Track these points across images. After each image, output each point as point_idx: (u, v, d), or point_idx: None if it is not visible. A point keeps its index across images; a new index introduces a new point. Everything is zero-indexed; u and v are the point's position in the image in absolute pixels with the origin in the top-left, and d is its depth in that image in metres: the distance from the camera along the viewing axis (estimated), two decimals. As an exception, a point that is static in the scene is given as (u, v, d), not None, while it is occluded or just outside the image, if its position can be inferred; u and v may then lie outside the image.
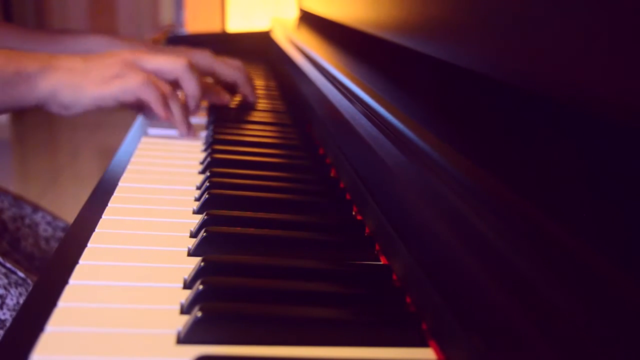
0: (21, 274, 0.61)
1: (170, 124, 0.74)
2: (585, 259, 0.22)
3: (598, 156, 0.32)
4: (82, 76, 0.68)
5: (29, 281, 0.61)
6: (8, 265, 0.61)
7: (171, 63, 0.73)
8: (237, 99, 0.95)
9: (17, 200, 0.83)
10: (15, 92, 0.66)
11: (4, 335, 0.34)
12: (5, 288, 0.59)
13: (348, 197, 0.57)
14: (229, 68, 0.91)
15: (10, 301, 0.59)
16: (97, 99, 0.68)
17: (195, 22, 2.95)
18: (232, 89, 0.92)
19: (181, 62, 0.74)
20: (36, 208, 0.84)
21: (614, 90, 0.28)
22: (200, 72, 0.95)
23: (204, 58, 0.90)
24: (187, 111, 0.75)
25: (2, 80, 0.66)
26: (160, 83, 0.71)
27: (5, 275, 0.60)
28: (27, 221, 0.82)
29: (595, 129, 0.32)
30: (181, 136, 0.75)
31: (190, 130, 0.75)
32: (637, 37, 0.26)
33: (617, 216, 0.26)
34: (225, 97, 0.86)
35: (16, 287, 0.60)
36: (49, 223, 0.83)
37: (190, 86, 0.75)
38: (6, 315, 0.58)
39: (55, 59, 0.69)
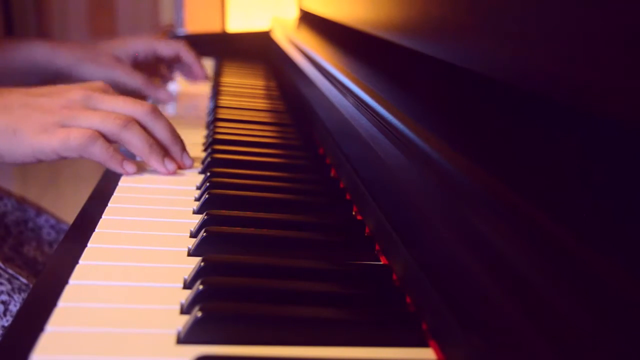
0: (24, 280, 0.60)
1: None
2: (585, 259, 0.22)
3: (598, 156, 0.32)
4: (19, 119, 0.55)
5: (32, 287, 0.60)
6: (10, 271, 0.60)
7: (130, 107, 0.59)
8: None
9: (21, 203, 0.82)
10: None
11: (4, 335, 0.34)
12: (8, 294, 0.59)
13: (348, 197, 0.57)
14: (169, 43, 0.93)
15: (13, 307, 0.58)
16: (36, 151, 0.55)
17: (195, 22, 2.95)
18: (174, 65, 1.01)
19: (142, 108, 0.59)
20: (39, 211, 0.83)
21: (614, 90, 0.28)
22: (142, 56, 0.95)
23: (143, 41, 0.91)
24: (162, 150, 0.61)
25: None
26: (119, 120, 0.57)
27: (9, 280, 0.59)
28: (30, 225, 0.81)
29: (596, 129, 0.32)
30: (164, 173, 0.61)
31: (169, 166, 0.60)
32: (636, 36, 0.26)
33: (618, 216, 0.26)
34: (164, 93, 0.87)
35: (19, 293, 0.59)
36: (52, 226, 0.83)
37: (159, 132, 0.60)
38: (10, 321, 0.58)
39: None
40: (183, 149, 0.62)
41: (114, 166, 0.58)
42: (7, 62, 0.89)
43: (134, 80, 0.90)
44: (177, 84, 1.10)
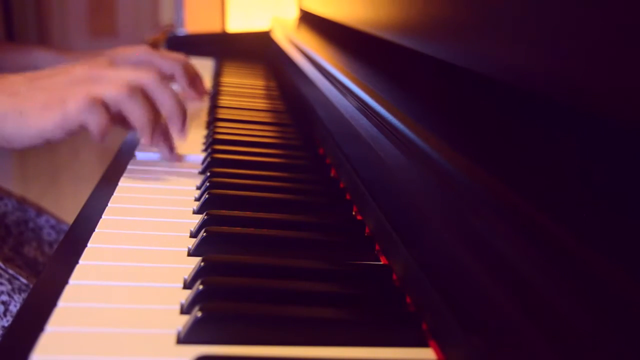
0: (24, 280, 0.60)
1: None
2: (585, 259, 0.22)
3: (598, 156, 0.32)
4: (24, 101, 0.55)
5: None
6: (11, 271, 0.60)
7: (136, 74, 0.59)
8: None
9: (21, 203, 0.82)
10: None
11: (4, 335, 0.34)
12: (9, 294, 0.59)
13: (348, 197, 0.57)
14: (167, 61, 0.82)
15: (14, 308, 0.58)
16: (41, 130, 0.55)
17: (195, 22, 2.95)
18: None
19: (148, 75, 0.59)
20: (40, 211, 0.83)
21: (614, 90, 0.28)
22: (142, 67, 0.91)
23: (144, 53, 0.82)
24: (167, 133, 0.63)
25: None
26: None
27: (9, 281, 0.59)
28: (30, 225, 0.81)
29: (596, 129, 0.32)
30: (163, 159, 0.64)
31: (172, 153, 0.63)
32: (636, 37, 0.26)
33: (618, 216, 0.26)
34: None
35: (20, 294, 0.59)
36: (52, 227, 0.83)
37: (165, 102, 0.60)
38: (10, 321, 0.58)
39: None
40: (183, 122, 0.62)
41: (100, 136, 0.56)
42: (9, 67, 0.88)
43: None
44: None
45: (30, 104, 0.55)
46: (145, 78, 0.59)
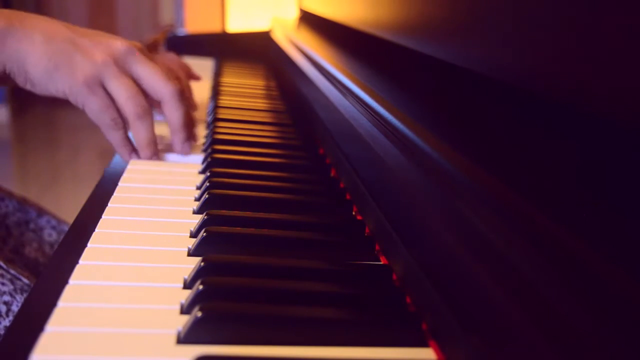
0: (26, 280, 0.60)
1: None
2: (585, 259, 0.22)
3: (598, 156, 0.32)
4: (62, 55, 0.58)
5: None
6: (13, 271, 0.60)
7: (162, 83, 0.62)
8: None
9: (22, 204, 0.82)
10: None
11: (4, 335, 0.34)
12: (10, 295, 0.59)
13: (348, 197, 0.57)
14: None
15: (16, 308, 0.58)
16: (68, 94, 0.59)
17: (195, 22, 2.95)
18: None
19: (168, 89, 0.63)
20: (41, 212, 0.83)
21: (614, 90, 0.28)
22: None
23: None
24: (155, 149, 0.65)
25: None
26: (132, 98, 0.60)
27: (11, 281, 0.59)
28: (31, 226, 0.81)
29: (596, 129, 0.32)
30: (145, 157, 0.65)
31: (153, 153, 0.64)
32: (636, 37, 0.26)
33: (618, 216, 0.26)
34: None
35: (22, 294, 0.59)
36: (53, 227, 0.83)
37: (174, 116, 0.64)
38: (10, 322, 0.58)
39: (28, 17, 0.58)
40: (185, 139, 0.66)
41: (109, 134, 0.62)
42: None
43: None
44: None
45: (68, 64, 0.57)
46: (165, 91, 0.63)
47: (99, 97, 0.60)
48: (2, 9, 0.59)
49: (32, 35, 0.58)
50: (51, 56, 0.58)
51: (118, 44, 0.61)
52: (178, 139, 0.66)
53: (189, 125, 0.68)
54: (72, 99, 0.60)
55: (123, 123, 0.63)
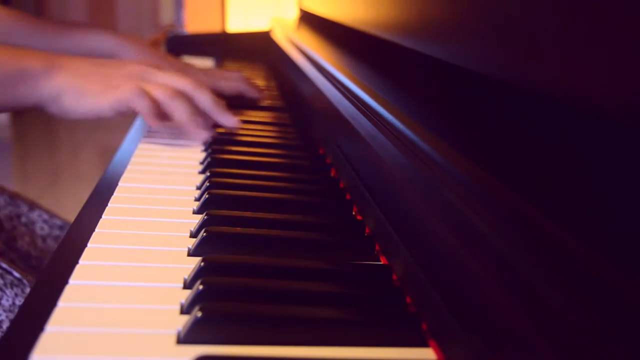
0: (17, 274, 0.60)
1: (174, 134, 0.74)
2: (585, 259, 0.22)
3: (598, 156, 0.32)
4: (87, 82, 0.67)
5: (25, 281, 0.60)
6: (4, 265, 0.60)
7: (179, 81, 0.71)
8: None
9: (13, 198, 0.83)
10: (17, 91, 0.65)
11: (4, 335, 0.34)
12: (0, 289, 0.59)
13: (348, 197, 0.57)
14: (229, 81, 0.90)
15: (5, 302, 0.59)
16: (97, 110, 0.67)
17: (195, 22, 2.95)
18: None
19: (188, 82, 0.72)
20: (32, 206, 0.84)
21: (614, 90, 0.28)
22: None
23: (205, 76, 0.89)
24: (199, 123, 0.71)
25: (4, 78, 0.65)
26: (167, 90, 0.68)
27: (1, 275, 0.60)
28: (23, 219, 0.82)
29: (596, 129, 0.32)
30: (192, 140, 0.72)
31: (202, 135, 0.71)
32: (636, 37, 0.26)
33: (618, 216, 0.26)
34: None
35: (12, 288, 0.59)
36: (45, 221, 0.83)
37: (203, 102, 0.72)
38: (2, 316, 0.58)
39: (61, 59, 0.68)
40: (222, 112, 0.74)
41: (149, 119, 0.67)
42: (69, 48, 0.92)
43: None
44: None
45: (91, 86, 0.67)
46: (186, 84, 0.71)
47: (147, 98, 0.67)
48: (42, 52, 0.68)
49: (64, 75, 0.67)
50: (79, 87, 0.67)
51: (134, 66, 0.70)
52: (217, 115, 0.73)
53: (222, 103, 0.75)
54: (110, 111, 0.67)
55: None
